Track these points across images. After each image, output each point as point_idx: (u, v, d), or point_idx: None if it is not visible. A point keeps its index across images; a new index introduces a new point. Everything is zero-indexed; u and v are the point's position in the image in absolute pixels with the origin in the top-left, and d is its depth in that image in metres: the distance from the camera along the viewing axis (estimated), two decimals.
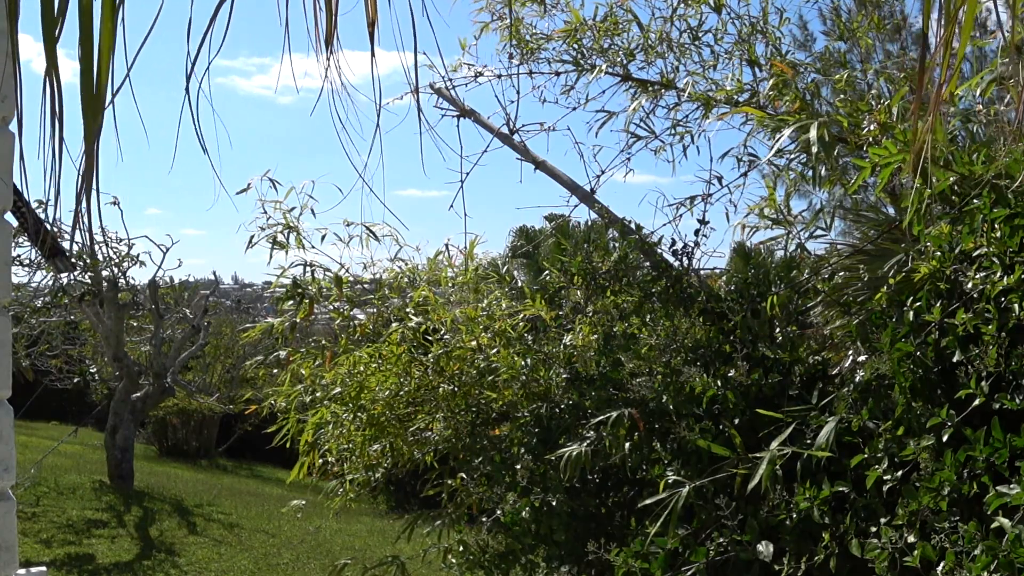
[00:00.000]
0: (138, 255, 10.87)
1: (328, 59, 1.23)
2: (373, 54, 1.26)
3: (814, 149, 3.27)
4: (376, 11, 1.22)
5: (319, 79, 1.26)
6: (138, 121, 1.24)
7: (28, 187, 1.21)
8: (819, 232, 3.82)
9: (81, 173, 1.13)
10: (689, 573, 2.88)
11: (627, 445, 3.52)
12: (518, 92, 4.91)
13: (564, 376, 4.02)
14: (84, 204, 1.15)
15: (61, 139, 1.12)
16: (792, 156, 3.93)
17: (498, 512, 4.00)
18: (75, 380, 12.55)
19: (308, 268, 4.99)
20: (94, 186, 1.14)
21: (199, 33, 1.17)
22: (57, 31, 1.10)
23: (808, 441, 2.99)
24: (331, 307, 5.12)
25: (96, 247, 10.28)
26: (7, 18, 1.15)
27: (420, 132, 1.39)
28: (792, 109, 3.84)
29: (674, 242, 4.18)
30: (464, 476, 4.42)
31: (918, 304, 2.80)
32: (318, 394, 4.83)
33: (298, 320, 4.96)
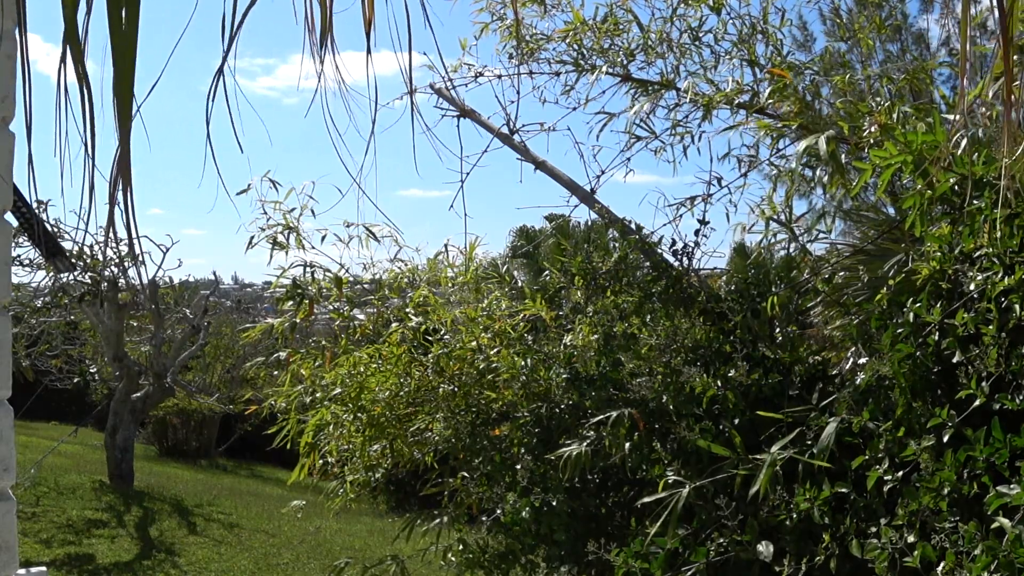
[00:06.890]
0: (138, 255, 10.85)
1: (323, 59, 1.23)
2: (369, 52, 1.26)
3: (823, 158, 3.26)
4: (373, 10, 1.22)
5: (323, 79, 1.26)
6: (144, 123, 1.24)
7: (36, 188, 1.21)
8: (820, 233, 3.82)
9: (112, 178, 1.13)
10: (689, 573, 2.88)
11: (627, 445, 3.51)
12: (518, 92, 4.91)
13: (564, 376, 4.02)
14: (122, 208, 1.15)
15: (93, 139, 1.11)
16: (793, 158, 3.92)
17: (498, 512, 4.00)
18: (75, 380, 12.55)
19: (308, 268, 4.99)
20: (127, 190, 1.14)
21: (204, 35, 1.17)
22: (82, 32, 1.09)
23: (809, 442, 2.99)
24: (331, 307, 5.12)
25: (97, 247, 10.29)
26: (13, 20, 1.15)
27: (412, 133, 1.39)
28: (793, 111, 3.84)
29: (674, 242, 4.18)
30: (464, 476, 4.41)
31: (918, 305, 2.80)
32: (318, 395, 4.83)
33: (298, 320, 4.96)
